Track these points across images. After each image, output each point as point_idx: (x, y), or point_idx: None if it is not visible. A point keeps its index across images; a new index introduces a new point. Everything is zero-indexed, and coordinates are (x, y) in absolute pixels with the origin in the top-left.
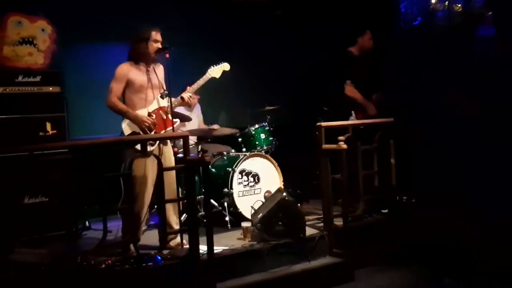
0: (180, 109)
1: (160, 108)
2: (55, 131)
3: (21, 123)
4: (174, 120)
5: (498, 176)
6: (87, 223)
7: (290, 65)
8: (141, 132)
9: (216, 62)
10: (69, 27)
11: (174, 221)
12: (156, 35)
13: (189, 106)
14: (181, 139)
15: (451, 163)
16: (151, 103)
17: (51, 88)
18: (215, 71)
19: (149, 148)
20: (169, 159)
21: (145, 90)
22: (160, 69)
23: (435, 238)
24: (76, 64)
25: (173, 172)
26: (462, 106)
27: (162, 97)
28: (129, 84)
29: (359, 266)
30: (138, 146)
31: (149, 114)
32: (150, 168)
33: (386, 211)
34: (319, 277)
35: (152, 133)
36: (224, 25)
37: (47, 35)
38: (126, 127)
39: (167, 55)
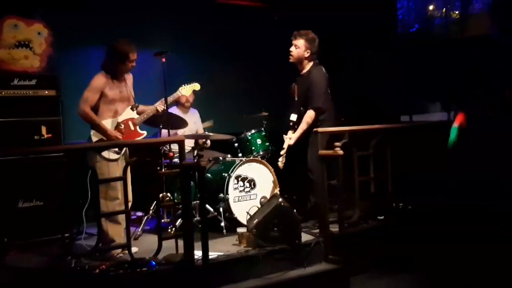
0: (176, 112)
1: (130, 119)
2: (50, 135)
3: (17, 127)
4: (141, 132)
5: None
6: (81, 227)
7: (287, 69)
8: None
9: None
10: (66, 30)
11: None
12: (133, 56)
13: (185, 108)
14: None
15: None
16: (120, 114)
17: (46, 92)
18: (186, 89)
19: (115, 156)
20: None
21: (115, 103)
22: (129, 78)
23: (431, 244)
24: (72, 68)
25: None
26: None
27: (132, 109)
28: (102, 95)
29: (355, 272)
30: (104, 153)
31: (119, 124)
32: (119, 173)
33: (382, 217)
34: (315, 283)
35: None
36: (221, 30)
37: (43, 38)
38: (94, 134)
39: (163, 60)
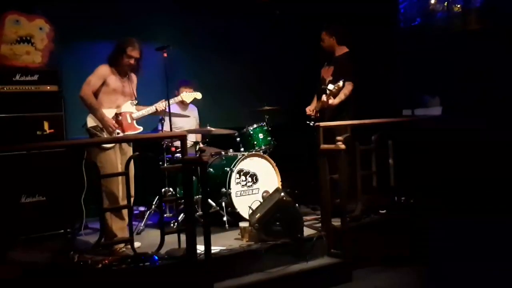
0: (175, 109)
1: (128, 112)
2: (52, 130)
3: (19, 122)
4: (138, 127)
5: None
6: (84, 222)
7: (289, 64)
8: (104, 130)
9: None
10: (67, 25)
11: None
12: (131, 51)
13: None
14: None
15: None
16: (119, 107)
17: (48, 87)
18: (187, 96)
19: (110, 144)
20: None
21: (116, 95)
22: (134, 78)
23: (433, 238)
24: (74, 63)
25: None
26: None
27: (132, 104)
28: (104, 84)
29: (357, 266)
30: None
31: (117, 115)
32: (119, 165)
33: (384, 211)
34: (317, 277)
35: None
36: (223, 25)
37: (45, 33)
38: (91, 119)
39: (165, 54)
